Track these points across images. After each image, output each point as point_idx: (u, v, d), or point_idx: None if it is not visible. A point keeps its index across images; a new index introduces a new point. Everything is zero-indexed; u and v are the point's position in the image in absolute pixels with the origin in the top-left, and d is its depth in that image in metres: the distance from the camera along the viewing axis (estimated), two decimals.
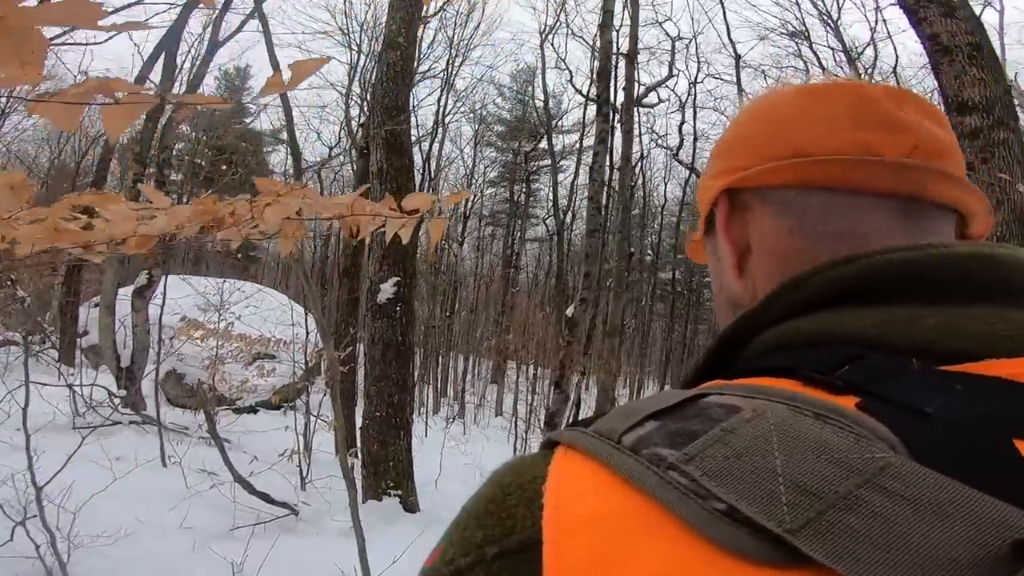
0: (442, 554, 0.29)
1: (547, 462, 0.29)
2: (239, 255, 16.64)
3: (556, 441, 0.30)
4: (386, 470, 4.40)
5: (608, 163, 6.33)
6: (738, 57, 13.77)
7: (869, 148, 0.40)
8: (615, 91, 6.84)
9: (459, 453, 9.07)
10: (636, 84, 8.71)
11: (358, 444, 4.52)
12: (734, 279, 0.45)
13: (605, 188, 5.88)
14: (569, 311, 5.38)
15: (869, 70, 14.07)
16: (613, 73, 6.72)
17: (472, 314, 19.20)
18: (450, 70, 15.10)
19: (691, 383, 0.35)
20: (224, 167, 19.57)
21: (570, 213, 16.24)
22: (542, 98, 15.64)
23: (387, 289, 4.48)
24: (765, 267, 0.43)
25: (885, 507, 0.22)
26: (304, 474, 5.49)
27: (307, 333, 7.29)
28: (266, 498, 4.31)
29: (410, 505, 4.61)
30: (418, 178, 14.52)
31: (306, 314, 7.83)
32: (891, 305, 0.33)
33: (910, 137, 0.40)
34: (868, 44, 14.42)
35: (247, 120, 22.78)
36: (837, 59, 14.44)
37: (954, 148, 0.43)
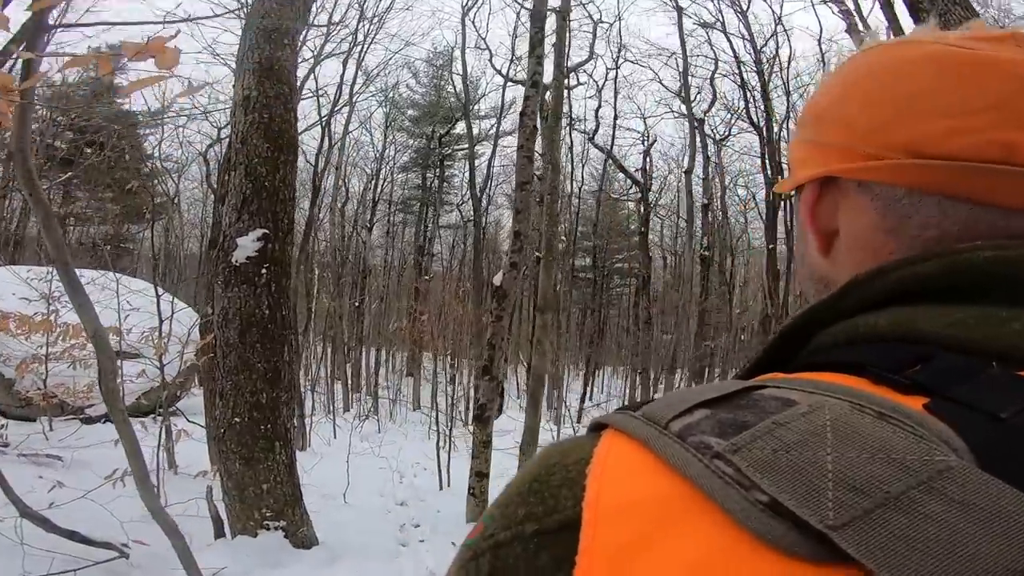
0: (483, 530, 0.28)
1: (594, 444, 0.28)
2: (107, 245, 14.16)
3: (604, 424, 0.29)
4: (258, 495, 3.03)
5: (539, 112, 5.11)
6: (680, 9, 13.04)
7: (1013, 153, 0.32)
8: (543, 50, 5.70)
9: (373, 455, 7.62)
10: (568, 37, 7.65)
11: (214, 466, 3.12)
12: (819, 257, 0.40)
13: (537, 135, 4.69)
14: (497, 279, 4.24)
15: (770, 61, 13.96)
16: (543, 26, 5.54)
17: (383, 304, 17.63)
18: (363, 41, 13.43)
19: (750, 375, 0.33)
20: (88, 149, 16.83)
21: (486, 196, 15.10)
22: (460, 74, 14.29)
23: (247, 245, 3.09)
24: (855, 257, 0.37)
25: (937, 511, 0.21)
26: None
27: (166, 321, 5.63)
28: (75, 537, 2.83)
29: (301, 539, 3.26)
30: (312, 167, 12.89)
31: (172, 303, 6.13)
32: (975, 305, 0.30)
33: None
34: (772, 36, 14.27)
35: (118, 100, 19.88)
36: (745, 47, 14.22)
37: None
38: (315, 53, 12.91)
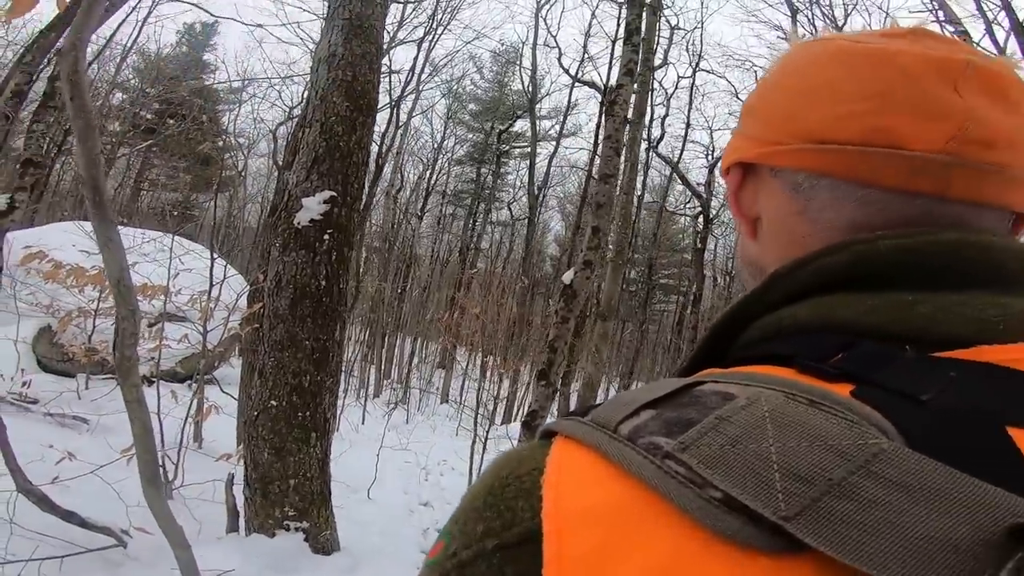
0: (444, 548, 0.28)
1: (545, 453, 0.28)
2: (174, 211, 14.29)
3: (554, 431, 0.29)
4: (283, 491, 2.62)
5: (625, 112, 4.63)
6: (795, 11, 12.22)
7: (891, 136, 0.34)
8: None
9: (400, 448, 7.22)
10: (657, 35, 7.14)
11: (240, 448, 2.73)
12: (749, 241, 0.42)
13: (627, 128, 4.19)
14: (567, 277, 3.74)
15: None
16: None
17: (425, 293, 17.35)
18: (435, 28, 13.14)
19: (687, 372, 0.33)
20: (170, 119, 17.07)
21: (542, 195, 14.61)
22: (528, 68, 13.86)
23: (312, 206, 2.69)
24: (772, 243, 0.40)
25: (878, 493, 0.21)
26: (171, 477, 3.63)
27: (216, 285, 5.33)
28: (72, 519, 2.47)
29: (322, 543, 2.84)
30: (376, 148, 12.68)
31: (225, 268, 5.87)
32: (884, 291, 0.32)
33: (949, 125, 0.33)
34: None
35: (204, 77, 20.15)
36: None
37: (1015, 135, 0.34)
38: (390, 37, 12.71)
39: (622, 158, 4.67)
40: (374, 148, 13.23)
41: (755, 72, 15.11)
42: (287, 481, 2.61)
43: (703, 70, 15.28)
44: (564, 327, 3.83)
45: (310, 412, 2.59)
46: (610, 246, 5.48)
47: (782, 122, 0.38)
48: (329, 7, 3.24)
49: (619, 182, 4.32)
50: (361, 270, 13.30)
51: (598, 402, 0.30)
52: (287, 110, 15.82)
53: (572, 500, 0.25)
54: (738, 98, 15.84)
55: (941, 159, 0.33)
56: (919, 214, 0.34)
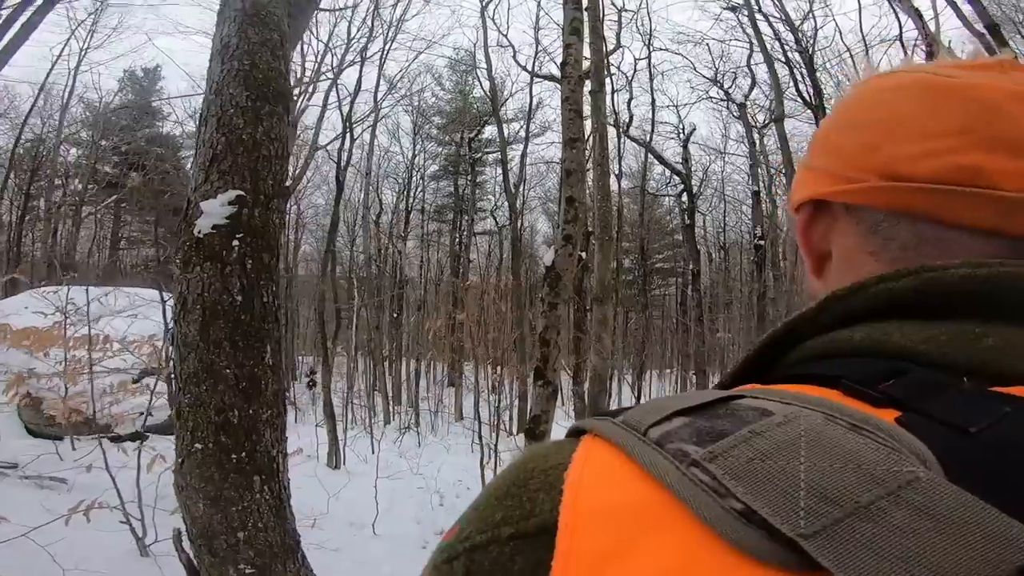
0: (459, 532, 0.28)
1: (572, 449, 0.27)
2: (149, 267, 13.88)
3: (583, 429, 0.29)
4: (232, 546, 2.13)
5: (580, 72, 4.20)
6: None
7: (979, 175, 0.32)
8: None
9: (411, 474, 6.70)
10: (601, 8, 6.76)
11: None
12: (813, 278, 0.41)
13: (584, 84, 3.75)
14: (548, 257, 3.32)
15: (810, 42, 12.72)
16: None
17: (422, 313, 16.89)
18: (384, 46, 12.79)
19: (729, 385, 0.33)
20: (132, 172, 16.72)
21: (520, 197, 14.18)
22: (485, 68, 13.47)
23: (214, 211, 2.23)
24: (842, 279, 0.37)
25: (904, 520, 0.21)
26: (141, 534, 3.18)
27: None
28: None
29: None
30: (335, 164, 12.24)
31: None
32: (948, 321, 0.30)
33: None
34: (807, 15, 13.00)
35: (158, 124, 19.83)
36: (776, 29, 13.01)
37: None
38: (337, 64, 12.36)
39: (588, 126, 4.20)
40: (324, 161, 12.78)
41: (707, 45, 14.83)
42: (235, 535, 2.13)
43: (658, 48, 14.93)
44: (554, 315, 3.36)
45: (246, 453, 2.12)
46: (593, 224, 5.02)
47: (858, 157, 0.36)
48: (220, 2, 2.79)
49: (589, 152, 3.87)
50: (355, 300, 12.88)
51: (627, 406, 0.30)
52: None
53: (591, 497, 0.25)
54: (695, 70, 15.52)
55: None
56: (997, 255, 0.32)
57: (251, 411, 2.13)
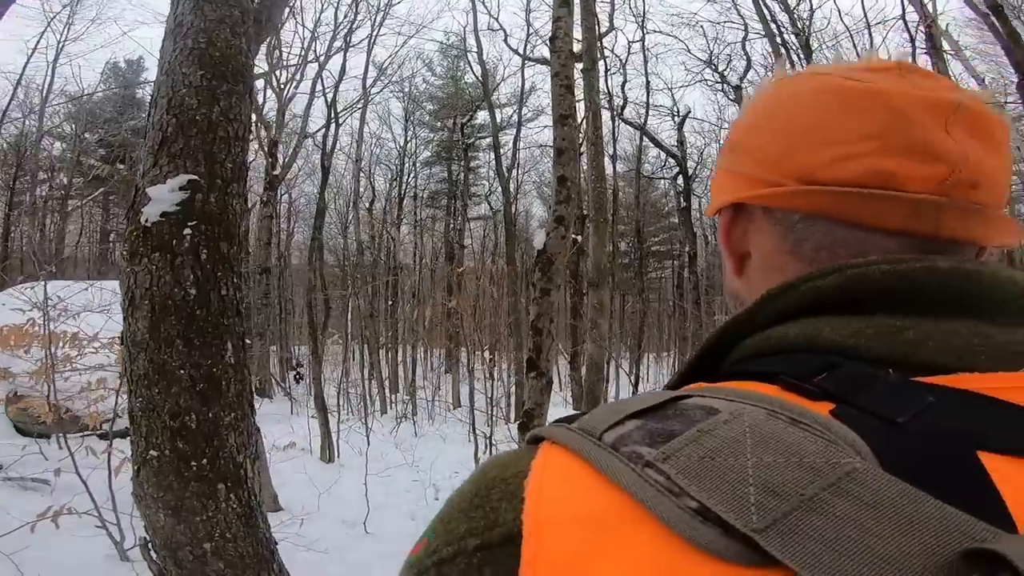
0: (426, 546, 0.28)
1: (531, 457, 0.27)
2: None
3: (542, 436, 0.28)
4: (200, 557, 1.95)
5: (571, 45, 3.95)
6: None
7: (890, 179, 0.34)
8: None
9: (407, 467, 6.54)
10: None
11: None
12: (733, 277, 0.42)
13: (575, 60, 3.51)
14: (538, 239, 3.11)
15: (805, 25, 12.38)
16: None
17: (416, 300, 16.68)
18: (372, 31, 12.42)
19: (677, 386, 0.33)
20: (120, 165, 16.38)
21: (514, 182, 13.90)
22: (476, 52, 13.09)
23: (163, 196, 2.02)
24: (764, 277, 0.39)
25: (847, 511, 0.21)
26: (119, 538, 3.02)
27: None
28: None
29: None
30: (343, 160, 11.84)
31: None
32: (872, 315, 0.31)
33: (943, 168, 0.34)
34: None
35: (143, 115, 19.42)
36: (772, 11, 12.66)
37: (997, 174, 0.35)
38: (324, 50, 12.03)
39: (581, 107, 3.95)
40: (315, 150, 12.38)
41: (701, 28, 14.47)
42: (200, 546, 1.95)
43: (652, 31, 14.60)
44: (546, 301, 3.15)
45: (208, 460, 1.93)
46: (587, 207, 4.79)
47: (775, 162, 0.37)
48: None
49: (583, 132, 3.64)
50: (349, 288, 12.66)
51: (582, 411, 0.30)
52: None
53: (553, 504, 0.25)
54: (689, 52, 15.18)
55: (935, 201, 0.34)
56: (909, 251, 0.34)
57: (211, 414, 1.93)
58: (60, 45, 14.29)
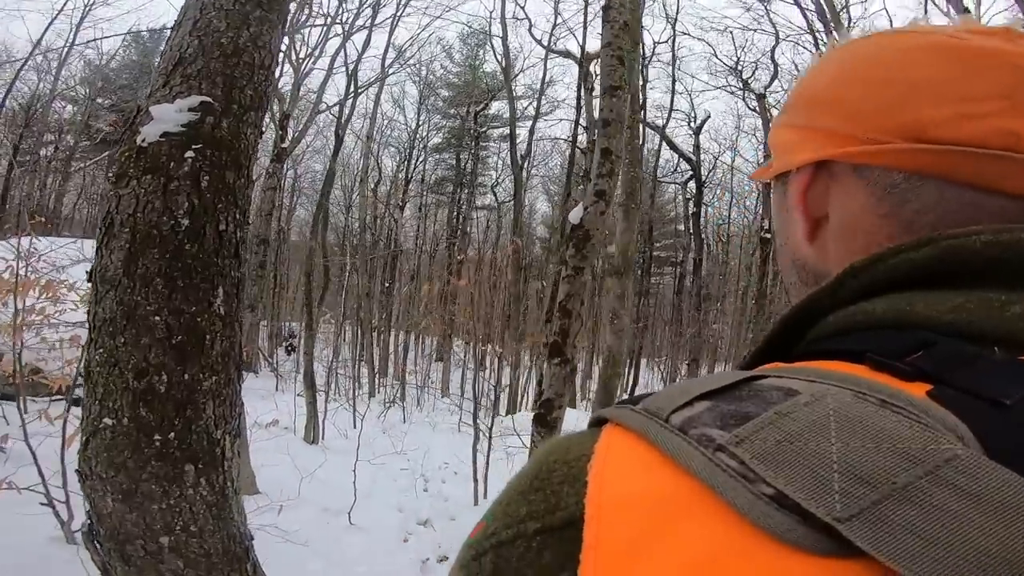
0: (484, 528, 0.27)
1: (594, 440, 0.26)
2: None
3: (605, 418, 0.27)
4: (154, 553, 1.57)
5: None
6: None
7: (1020, 140, 0.31)
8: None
9: (395, 453, 6.15)
10: None
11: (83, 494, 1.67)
12: (804, 242, 0.38)
13: (625, 32, 3.15)
14: (575, 214, 2.75)
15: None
16: None
17: (415, 283, 16.27)
18: (397, 11, 11.98)
19: (749, 366, 0.31)
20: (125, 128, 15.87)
21: (525, 172, 13.47)
22: (500, 37, 12.65)
23: (167, 116, 1.66)
24: (846, 243, 0.35)
25: (945, 501, 0.20)
26: (67, 518, 2.63)
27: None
28: None
29: None
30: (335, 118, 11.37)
31: None
32: (974, 289, 0.29)
33: None
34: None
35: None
36: (809, 20, 12.33)
37: None
38: (349, 23, 11.59)
39: (626, 81, 3.59)
40: (326, 126, 11.93)
41: (730, 34, 14.14)
42: (155, 540, 1.56)
43: (681, 33, 14.19)
44: (578, 281, 2.79)
45: (176, 434, 1.54)
46: (618, 189, 4.42)
47: (872, 116, 0.34)
48: None
49: (628, 102, 3.28)
50: (347, 266, 12.23)
51: (649, 392, 0.29)
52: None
53: (616, 487, 0.24)
54: (716, 57, 14.82)
55: None
56: None
57: (187, 376, 1.54)
58: (87, 8, 13.77)
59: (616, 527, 0.22)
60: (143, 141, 1.67)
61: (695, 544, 0.21)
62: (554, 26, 13.30)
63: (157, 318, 1.51)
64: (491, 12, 16.56)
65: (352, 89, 10.67)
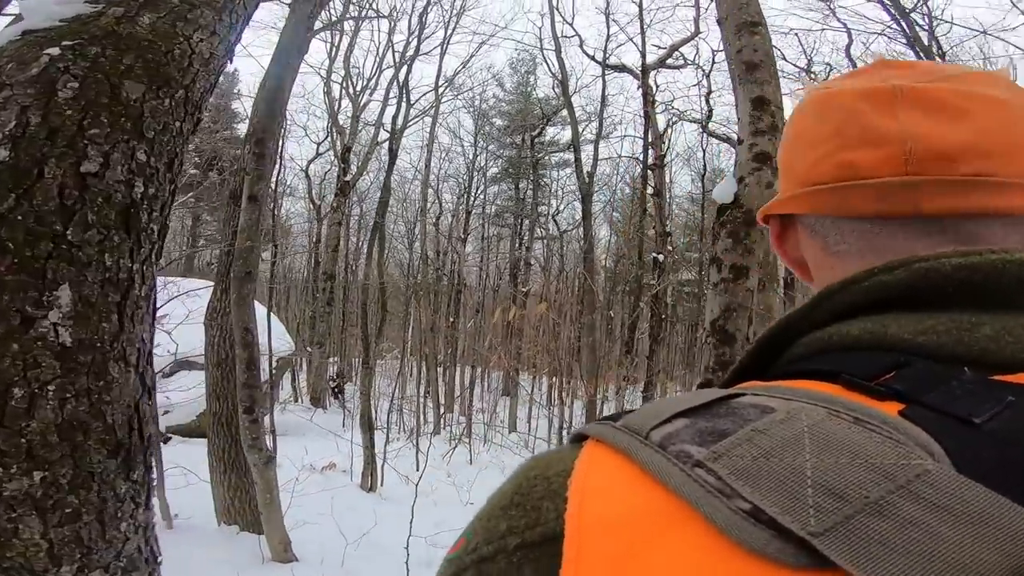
0: (465, 544, 0.27)
1: (575, 456, 0.26)
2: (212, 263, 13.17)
3: (585, 435, 0.27)
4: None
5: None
6: None
7: (856, 170, 0.34)
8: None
9: (459, 503, 5.20)
10: None
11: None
12: (808, 283, 0.42)
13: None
14: (722, 191, 1.87)
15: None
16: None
17: (479, 318, 15.55)
18: (445, 38, 11.68)
19: (728, 384, 0.31)
20: (211, 172, 16.36)
21: (592, 189, 12.63)
22: (553, 54, 12.06)
23: (47, 8, 0.92)
24: (827, 278, 0.38)
25: (916, 515, 0.20)
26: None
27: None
28: None
29: None
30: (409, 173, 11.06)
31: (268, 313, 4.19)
32: (945, 311, 0.29)
33: (896, 149, 0.33)
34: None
35: (235, 126, 19.62)
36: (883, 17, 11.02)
37: (983, 140, 0.33)
38: (400, 55, 11.35)
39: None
40: (383, 133, 11.73)
41: (795, 36, 13.00)
42: None
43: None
44: (740, 287, 1.93)
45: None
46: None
47: (786, 172, 0.39)
48: None
49: (771, 42, 2.37)
50: (412, 303, 11.67)
51: (628, 409, 0.28)
52: (315, 145, 14.73)
53: (597, 504, 0.23)
54: (786, 60, 13.64)
55: (901, 180, 0.33)
56: (919, 232, 0.33)
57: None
58: None
59: (597, 544, 0.22)
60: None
61: (675, 560, 0.21)
62: (607, 40, 12.55)
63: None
64: (539, 28, 16.11)
65: (404, 99, 10.27)
